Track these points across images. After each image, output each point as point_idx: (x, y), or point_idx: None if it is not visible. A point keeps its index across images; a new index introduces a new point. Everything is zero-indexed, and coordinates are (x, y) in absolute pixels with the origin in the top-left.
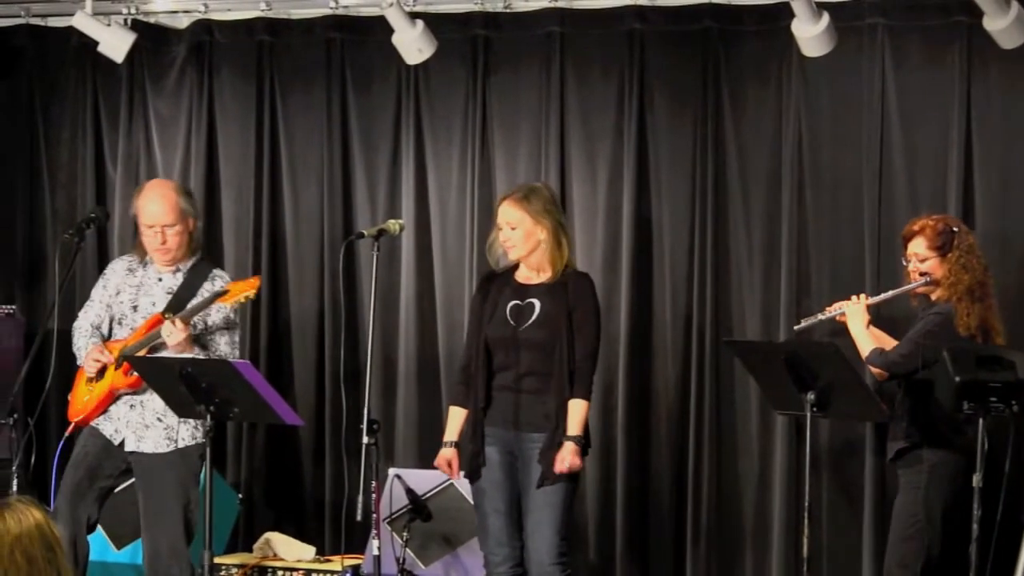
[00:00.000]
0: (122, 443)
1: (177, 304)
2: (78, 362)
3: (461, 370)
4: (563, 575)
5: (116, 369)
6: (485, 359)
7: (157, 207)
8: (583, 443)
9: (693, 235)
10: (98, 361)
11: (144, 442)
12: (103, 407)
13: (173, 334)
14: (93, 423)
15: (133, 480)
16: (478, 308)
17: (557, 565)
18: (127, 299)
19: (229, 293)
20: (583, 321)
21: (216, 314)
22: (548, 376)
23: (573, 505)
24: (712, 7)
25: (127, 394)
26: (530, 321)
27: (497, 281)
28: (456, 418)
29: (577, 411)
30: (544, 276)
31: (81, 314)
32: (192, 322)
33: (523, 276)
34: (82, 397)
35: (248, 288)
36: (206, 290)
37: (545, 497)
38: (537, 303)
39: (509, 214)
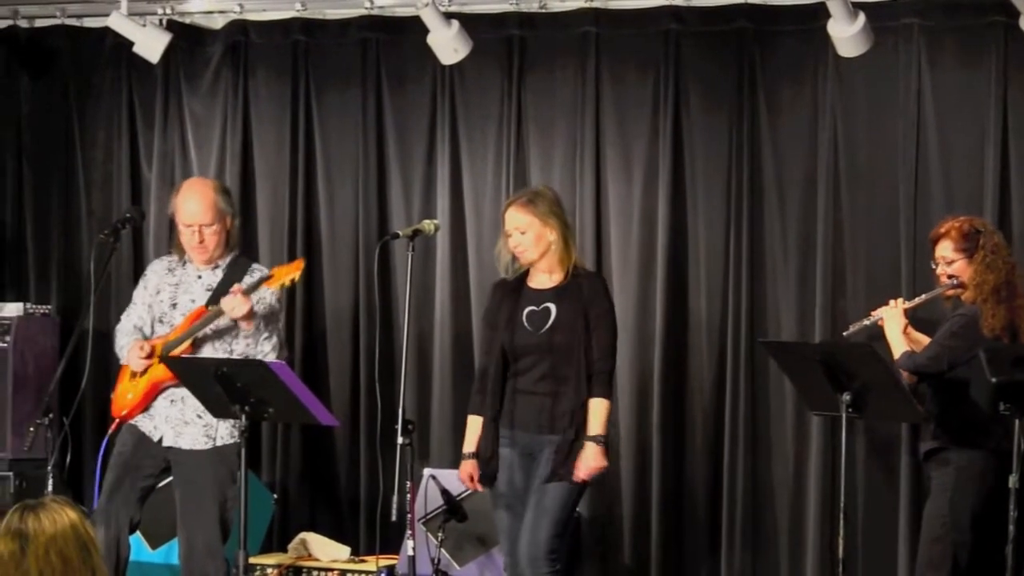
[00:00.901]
0: (161, 440)
1: (218, 298)
2: (121, 362)
3: (477, 379)
4: (550, 571)
5: (159, 363)
6: (501, 366)
7: (195, 206)
8: (605, 442)
9: (728, 236)
10: (142, 350)
11: (182, 438)
12: (147, 401)
13: (238, 306)
14: (133, 421)
15: (170, 479)
16: (492, 316)
17: (546, 561)
18: (167, 297)
19: (274, 277)
20: (598, 321)
21: (259, 304)
22: (566, 379)
23: (575, 506)
24: (748, 7)
25: (171, 387)
26: (547, 326)
27: (510, 288)
28: (474, 428)
29: (599, 410)
30: (556, 279)
31: (124, 316)
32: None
33: (536, 281)
34: (125, 394)
35: (293, 270)
36: (246, 284)
37: (550, 492)
38: (552, 307)
39: (517, 219)
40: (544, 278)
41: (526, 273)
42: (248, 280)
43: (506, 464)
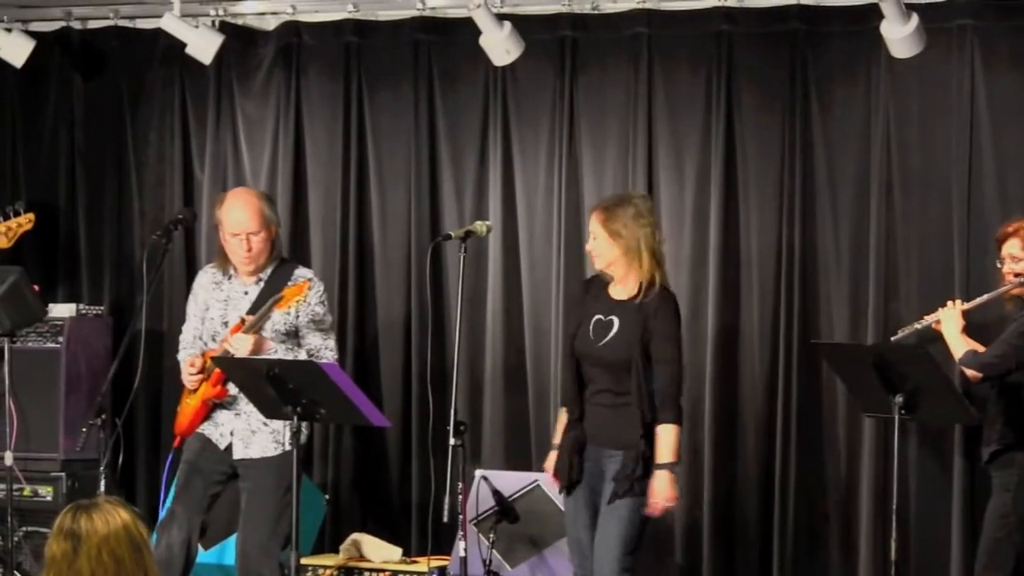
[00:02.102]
0: (228, 448)
1: (257, 311)
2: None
3: (562, 374)
4: None
5: (207, 379)
6: (576, 369)
7: (242, 214)
8: (676, 470)
9: (781, 237)
10: (192, 374)
11: (252, 448)
12: (200, 418)
13: (241, 345)
14: (199, 429)
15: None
16: (569, 313)
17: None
18: (217, 315)
19: (283, 299)
20: (661, 346)
21: (303, 315)
22: (625, 394)
23: (644, 520)
24: (800, 8)
25: (217, 404)
26: (606, 339)
27: (593, 289)
28: (561, 420)
29: (667, 436)
30: (629, 292)
31: (184, 328)
32: (282, 326)
33: (613, 289)
34: (184, 410)
35: (297, 292)
36: (285, 289)
37: (616, 511)
38: (616, 321)
39: (592, 225)
40: (619, 288)
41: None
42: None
43: (582, 477)
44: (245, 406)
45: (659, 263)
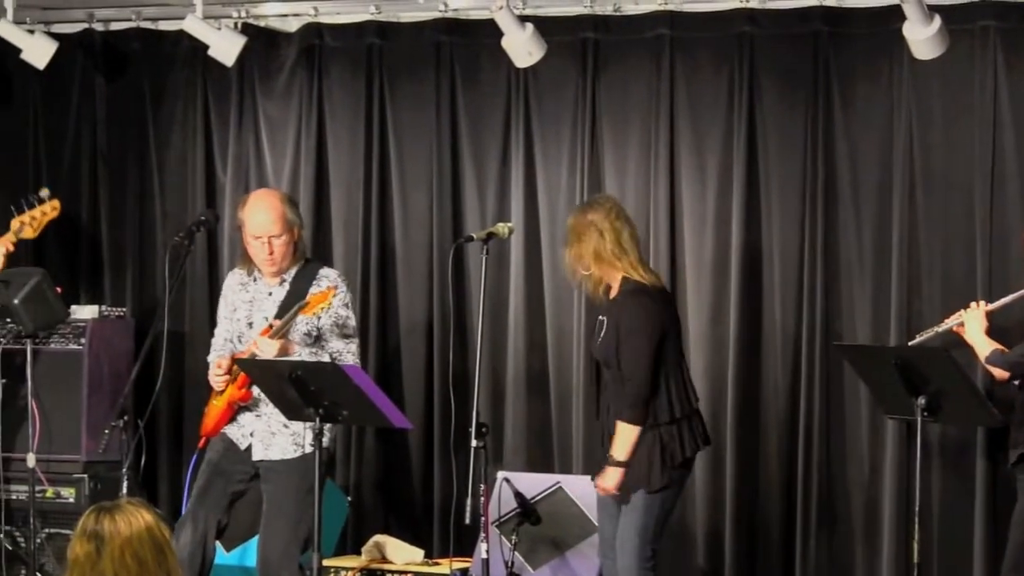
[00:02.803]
0: (249, 448)
1: (283, 313)
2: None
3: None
4: None
5: (232, 381)
6: (596, 369)
7: (264, 217)
8: (620, 465)
9: (803, 238)
10: (218, 376)
11: (271, 449)
12: (224, 420)
13: (266, 348)
14: (223, 429)
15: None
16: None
17: (641, 569)
18: (243, 316)
19: (309, 305)
20: (624, 340)
21: (326, 318)
22: (617, 392)
23: (666, 514)
24: (823, 9)
25: (243, 407)
26: (599, 339)
27: (603, 291)
28: None
29: (617, 433)
30: (614, 292)
31: (216, 331)
32: (303, 326)
33: (609, 290)
34: (210, 411)
35: (322, 299)
36: (311, 295)
37: (629, 506)
38: (605, 320)
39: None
40: (612, 288)
41: None
42: (314, 291)
43: None
44: (266, 408)
45: (614, 261)
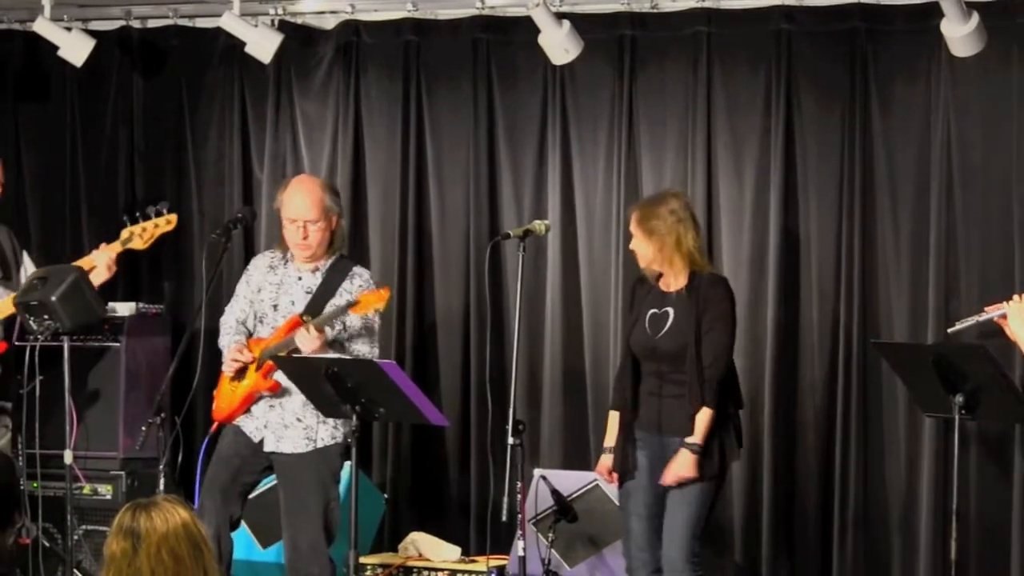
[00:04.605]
0: (262, 441)
1: (315, 304)
2: (222, 359)
3: (617, 375)
4: (694, 575)
5: (257, 370)
6: (632, 365)
7: (301, 201)
8: (701, 451)
9: (840, 235)
10: (236, 361)
11: (283, 442)
12: (244, 407)
13: (307, 341)
14: (236, 421)
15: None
16: (626, 314)
17: (688, 563)
18: (268, 297)
19: (359, 304)
20: (709, 327)
21: (358, 320)
22: (681, 383)
23: (712, 506)
24: (861, 7)
25: (266, 396)
26: (664, 331)
27: (644, 286)
28: (614, 422)
29: (700, 420)
30: (679, 283)
31: (227, 309)
32: (333, 325)
33: (664, 283)
34: (226, 396)
35: (378, 301)
36: (345, 289)
37: (682, 496)
38: (671, 312)
39: (631, 225)
40: (671, 281)
41: (662, 273)
42: (347, 286)
43: (638, 465)
44: (279, 399)
45: (698, 255)
